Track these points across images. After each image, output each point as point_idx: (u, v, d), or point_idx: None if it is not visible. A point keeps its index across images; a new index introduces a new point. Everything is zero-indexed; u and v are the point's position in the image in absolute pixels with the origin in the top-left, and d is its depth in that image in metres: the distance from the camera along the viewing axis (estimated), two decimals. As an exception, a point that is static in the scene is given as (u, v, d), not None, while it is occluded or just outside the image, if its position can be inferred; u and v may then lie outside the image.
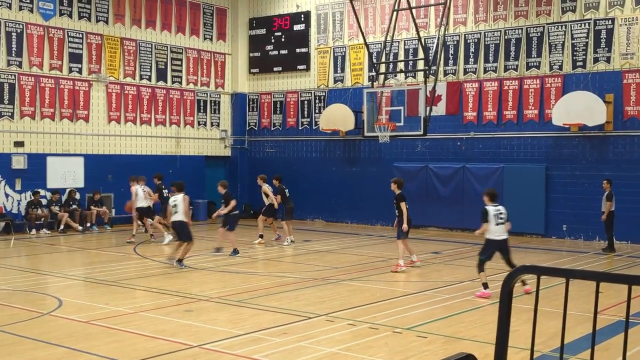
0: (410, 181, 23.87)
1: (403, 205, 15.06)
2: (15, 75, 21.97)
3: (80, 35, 23.62)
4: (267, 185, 20.07)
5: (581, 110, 20.09)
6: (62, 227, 22.20)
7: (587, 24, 20.85)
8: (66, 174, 23.20)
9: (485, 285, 12.21)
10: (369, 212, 25.17)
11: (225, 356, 8.39)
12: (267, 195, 19.91)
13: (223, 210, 17.44)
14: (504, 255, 12.43)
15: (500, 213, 12.42)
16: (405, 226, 14.98)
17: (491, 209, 12.41)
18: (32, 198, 22.00)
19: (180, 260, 14.98)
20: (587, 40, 20.86)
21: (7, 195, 21.82)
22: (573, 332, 9.03)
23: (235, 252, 17.29)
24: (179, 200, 15.07)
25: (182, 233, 15.08)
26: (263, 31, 28.20)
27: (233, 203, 17.41)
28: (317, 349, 8.68)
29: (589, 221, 20.50)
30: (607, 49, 20.54)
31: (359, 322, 10.15)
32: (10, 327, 9.70)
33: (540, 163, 21.61)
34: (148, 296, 12.16)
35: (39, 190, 22.22)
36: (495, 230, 12.33)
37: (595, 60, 20.72)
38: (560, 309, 9.91)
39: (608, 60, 20.52)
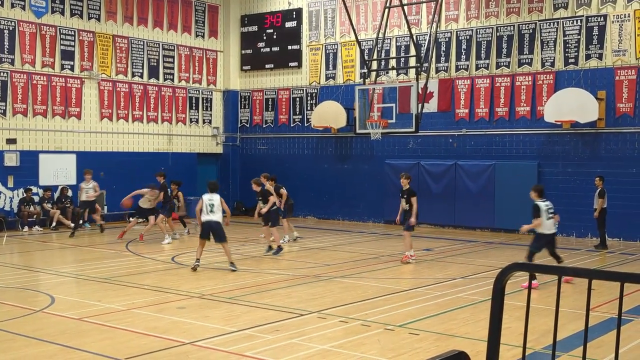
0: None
1: (414, 199, 15.69)
2: (7, 73, 21.89)
3: (72, 33, 23.54)
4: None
5: (573, 107, 20.14)
6: (54, 224, 22.15)
7: (579, 21, 20.91)
8: (58, 171, 23.14)
9: (533, 277, 12.32)
10: (361, 209, 25.20)
11: (218, 353, 8.39)
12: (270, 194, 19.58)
13: (264, 208, 17.12)
14: (550, 248, 13.25)
15: (550, 208, 13.13)
16: (414, 220, 15.68)
17: (542, 204, 13.00)
18: (24, 195, 21.94)
19: (232, 263, 14.65)
20: (579, 37, 20.91)
21: (-1, 193, 21.77)
22: (565, 329, 9.06)
23: (279, 249, 16.94)
24: (215, 200, 14.86)
25: (218, 233, 14.75)
26: (255, 28, 28.17)
27: (272, 199, 17.14)
28: (309, 346, 8.69)
29: (581, 218, 20.56)
30: (599, 45, 20.59)
31: (351, 319, 10.17)
32: (2, 325, 9.67)
33: (532, 160, 21.66)
34: (140, 293, 12.14)
35: (31, 187, 22.15)
36: (547, 225, 13.00)
37: (587, 57, 20.78)
38: (552, 306, 9.93)
39: (600, 57, 20.58)
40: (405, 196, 15.84)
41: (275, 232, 17.16)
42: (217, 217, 14.67)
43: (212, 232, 14.63)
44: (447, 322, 10.13)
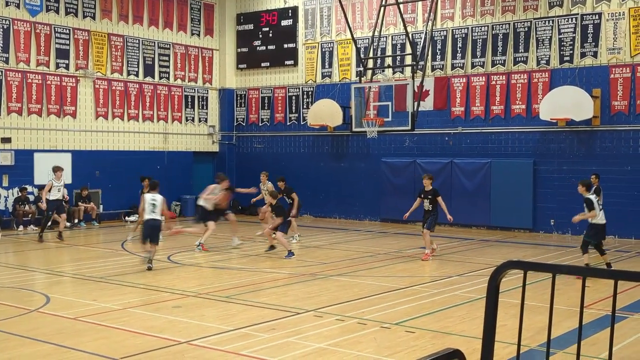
0: (398, 176, 23.96)
1: (440, 198, 16.30)
2: (1, 72, 21.85)
3: (67, 31, 23.50)
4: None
5: (568, 105, 20.16)
6: (49, 223, 22.07)
7: (574, 19, 20.93)
8: (53, 170, 23.08)
9: (588, 266, 13.00)
10: (357, 207, 25.21)
11: (214, 352, 8.38)
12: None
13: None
14: (600, 238, 14.09)
15: (599, 200, 14.36)
16: (450, 217, 16.30)
17: (593, 197, 13.92)
18: (19, 194, 21.89)
19: (150, 261, 14.61)
20: (574, 35, 20.93)
21: (-7, 192, 21.73)
22: (560, 327, 9.07)
23: (291, 254, 16.49)
24: (157, 200, 14.63)
25: (156, 233, 14.77)
26: (251, 26, 28.14)
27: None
28: (305, 344, 8.69)
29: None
30: (594, 43, 20.62)
31: (348, 317, 10.17)
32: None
33: (527, 158, 21.68)
34: (136, 292, 12.13)
35: (26, 186, 22.11)
36: (600, 216, 13.87)
37: (583, 55, 20.81)
38: (548, 304, 9.94)
39: (595, 55, 20.60)
40: (429, 197, 16.34)
41: (282, 238, 16.82)
42: (158, 216, 14.69)
43: (151, 230, 14.50)
44: (444, 319, 10.14)
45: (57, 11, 23.20)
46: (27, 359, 8.13)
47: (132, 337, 9.02)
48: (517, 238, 20.54)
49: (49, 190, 18.83)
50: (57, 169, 19.25)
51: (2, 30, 21.84)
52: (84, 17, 23.96)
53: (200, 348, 8.54)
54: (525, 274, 2.95)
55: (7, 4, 21.93)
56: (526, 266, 2.90)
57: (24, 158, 22.31)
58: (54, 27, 23.14)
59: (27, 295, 11.98)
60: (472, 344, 8.38)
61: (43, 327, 9.55)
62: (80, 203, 23.09)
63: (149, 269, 14.30)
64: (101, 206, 24.21)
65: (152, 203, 14.53)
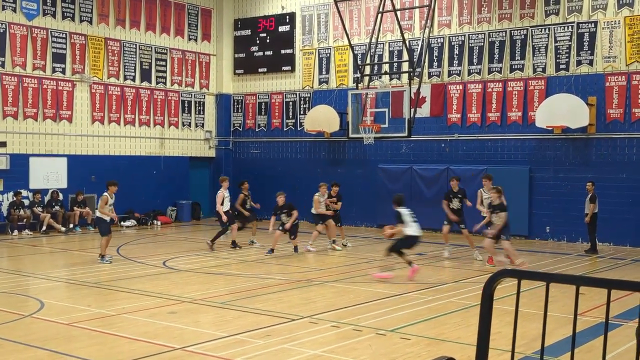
0: (394, 183, 23.96)
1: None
2: (-3, 75, 21.84)
3: (64, 36, 23.49)
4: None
5: (564, 112, 20.21)
6: (44, 228, 22.06)
7: (570, 27, 20.98)
8: (49, 175, 23.05)
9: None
10: (354, 213, 25.16)
11: (209, 358, 8.36)
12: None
13: (288, 224, 18.04)
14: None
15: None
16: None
17: (404, 210, 14.45)
18: (14, 199, 21.84)
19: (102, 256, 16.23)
20: (570, 43, 20.99)
21: (-11, 196, 21.68)
22: (555, 335, 9.07)
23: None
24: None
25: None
26: (248, 32, 28.17)
27: (296, 213, 18.11)
28: (300, 351, 8.67)
29: (572, 223, 20.62)
30: (589, 51, 20.67)
31: (343, 324, 10.16)
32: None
33: (523, 165, 21.71)
34: (131, 298, 12.10)
35: (21, 191, 22.06)
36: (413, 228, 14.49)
37: (578, 63, 20.86)
38: (542, 311, 9.93)
39: (591, 63, 20.66)
40: (459, 196, 17.63)
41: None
42: (113, 215, 16.56)
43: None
44: (439, 326, 10.13)
45: (53, 15, 23.20)
46: None
47: (127, 343, 8.99)
48: (512, 245, 20.50)
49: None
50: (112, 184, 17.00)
51: (-2, 34, 21.83)
52: (81, 21, 23.96)
53: (195, 354, 8.52)
54: (520, 282, 2.95)
55: (3, 8, 21.93)
56: (520, 275, 2.90)
57: (19, 162, 22.27)
58: (51, 32, 23.13)
59: (21, 301, 11.94)
60: (467, 351, 8.37)
61: (37, 333, 9.52)
62: (75, 208, 23.05)
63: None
64: (96, 211, 24.12)
65: (112, 202, 16.53)
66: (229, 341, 9.12)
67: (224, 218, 18.51)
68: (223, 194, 18.90)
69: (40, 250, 18.94)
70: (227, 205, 18.90)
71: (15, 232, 21.56)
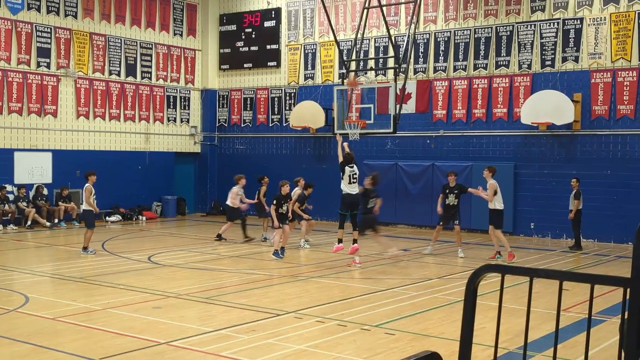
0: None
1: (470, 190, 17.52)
2: (-19, 69, 21.69)
3: (49, 30, 23.34)
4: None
5: (549, 109, 20.31)
6: (29, 222, 21.95)
7: (556, 24, 21.08)
8: (34, 170, 22.92)
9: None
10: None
11: (194, 353, 8.36)
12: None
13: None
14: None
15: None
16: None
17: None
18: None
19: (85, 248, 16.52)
20: (555, 39, 21.09)
21: (-28, 191, 21.52)
22: (539, 330, 9.13)
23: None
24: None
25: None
26: (233, 27, 28.10)
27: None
28: (285, 346, 8.69)
29: (556, 219, 20.74)
30: (575, 48, 20.78)
31: (328, 319, 10.18)
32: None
33: (508, 161, 21.81)
34: (116, 293, 12.06)
35: (6, 185, 21.93)
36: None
37: (564, 59, 20.96)
38: (526, 307, 9.97)
39: (576, 59, 20.76)
40: (455, 191, 17.28)
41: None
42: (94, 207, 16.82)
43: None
44: (423, 322, 10.17)
45: (38, 9, 23.05)
46: (5, 359, 8.06)
47: (112, 338, 8.97)
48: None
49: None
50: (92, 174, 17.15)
51: (-18, 28, 21.67)
52: (66, 15, 23.82)
53: (180, 349, 8.52)
54: (503, 278, 2.97)
55: (-13, 2, 21.77)
56: (504, 270, 2.92)
57: (4, 157, 22.14)
58: (35, 26, 22.98)
59: (5, 295, 11.88)
60: (452, 347, 8.41)
61: (21, 327, 9.48)
62: (60, 203, 22.94)
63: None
64: (82, 206, 24.01)
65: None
66: (214, 336, 9.12)
67: (243, 207, 19.62)
68: (237, 191, 19.53)
69: (25, 245, 18.84)
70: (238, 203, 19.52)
71: (0, 226, 21.42)
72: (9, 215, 21.75)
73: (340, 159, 15.86)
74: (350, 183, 15.24)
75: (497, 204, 16.60)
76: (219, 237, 19.36)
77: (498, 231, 16.54)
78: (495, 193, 16.53)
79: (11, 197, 22.18)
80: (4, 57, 22.20)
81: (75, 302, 11.20)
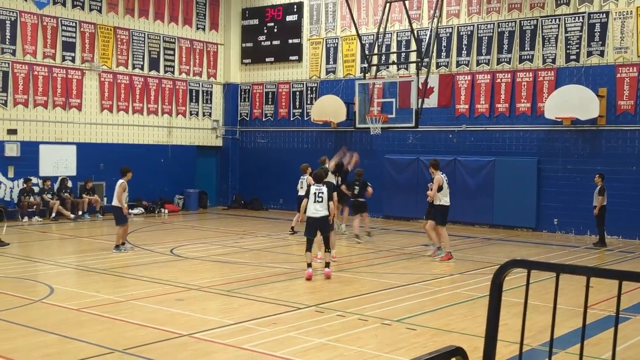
0: (401, 173, 23.96)
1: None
2: (8, 64, 21.88)
3: (74, 24, 23.51)
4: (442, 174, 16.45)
5: (574, 104, 20.13)
6: (53, 214, 22.16)
7: (581, 17, 20.88)
8: (59, 162, 23.13)
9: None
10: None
11: (215, 345, 8.41)
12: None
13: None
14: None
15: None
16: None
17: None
18: (24, 186, 21.93)
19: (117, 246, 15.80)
20: (580, 33, 20.89)
21: (-1, 183, 21.79)
22: (563, 327, 9.06)
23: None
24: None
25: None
26: (256, 21, 28.13)
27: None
28: (306, 339, 8.71)
29: (580, 215, 20.57)
30: (600, 42, 20.57)
31: (349, 313, 10.18)
32: (1, 314, 9.69)
33: (532, 156, 21.65)
34: (139, 285, 12.16)
35: (31, 177, 22.15)
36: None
37: (589, 53, 20.76)
38: (551, 303, 9.90)
39: (602, 54, 20.55)
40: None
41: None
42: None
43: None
44: (445, 317, 10.15)
45: (63, 4, 23.22)
46: (31, 349, 8.16)
47: (135, 329, 9.05)
48: (519, 237, 20.53)
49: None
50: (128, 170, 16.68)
51: (9, 22, 21.86)
52: (90, 10, 23.97)
53: (202, 341, 8.57)
54: (529, 273, 2.96)
55: (13, -4, 21.97)
56: (530, 265, 2.91)
57: (30, 150, 22.36)
58: (61, 20, 23.15)
59: (30, 286, 12.02)
60: (474, 342, 8.38)
61: (46, 318, 9.59)
62: (84, 195, 23.14)
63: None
64: (105, 199, 24.22)
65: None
66: (236, 328, 9.17)
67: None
68: (303, 181, 19.06)
69: (49, 237, 19.03)
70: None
71: (26, 218, 21.65)
72: (34, 207, 21.97)
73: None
74: (315, 202, 13.15)
75: (443, 199, 15.45)
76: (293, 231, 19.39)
77: (443, 228, 15.58)
78: (440, 189, 15.39)
79: (36, 189, 22.39)
80: (30, 51, 22.39)
81: (99, 294, 11.30)
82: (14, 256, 15.43)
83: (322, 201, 13.09)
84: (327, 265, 13.21)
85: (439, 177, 15.55)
